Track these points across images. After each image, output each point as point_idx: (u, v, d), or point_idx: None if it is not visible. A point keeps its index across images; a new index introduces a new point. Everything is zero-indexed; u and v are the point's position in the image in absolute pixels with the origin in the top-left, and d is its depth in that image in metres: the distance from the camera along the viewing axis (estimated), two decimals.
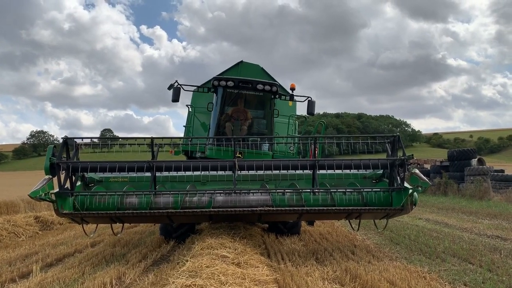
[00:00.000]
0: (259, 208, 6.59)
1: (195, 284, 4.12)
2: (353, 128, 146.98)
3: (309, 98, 9.22)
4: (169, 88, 8.65)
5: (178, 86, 8.65)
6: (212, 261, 5.00)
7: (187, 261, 5.20)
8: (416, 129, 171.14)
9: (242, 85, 8.51)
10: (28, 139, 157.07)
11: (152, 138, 6.69)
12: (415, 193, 6.45)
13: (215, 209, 6.62)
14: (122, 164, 6.68)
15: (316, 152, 9.32)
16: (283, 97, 9.32)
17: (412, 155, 6.71)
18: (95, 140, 7.05)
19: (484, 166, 20.07)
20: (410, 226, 10.60)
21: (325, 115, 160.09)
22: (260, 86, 8.41)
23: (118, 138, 6.72)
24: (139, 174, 7.21)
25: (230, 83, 8.44)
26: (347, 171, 7.25)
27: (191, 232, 8.57)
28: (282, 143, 8.87)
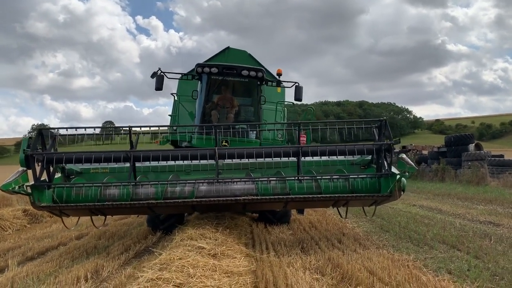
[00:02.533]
0: (243, 197, 6.42)
1: (161, 278, 3.96)
2: (354, 116, 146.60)
3: (296, 84, 8.98)
4: (152, 76, 8.43)
5: (162, 73, 8.43)
6: (187, 253, 4.84)
7: (160, 253, 5.04)
8: (418, 116, 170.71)
9: (227, 71, 8.29)
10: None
11: (129, 127, 6.50)
12: (403, 178, 6.26)
13: (197, 199, 6.45)
14: (99, 155, 6.49)
15: (304, 139, 9.14)
16: (270, 83, 9.10)
17: (399, 139, 6.58)
18: (74, 131, 6.81)
19: (482, 151, 19.83)
20: (402, 213, 10.43)
21: (326, 103, 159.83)
22: (245, 72, 8.19)
23: (94, 127, 6.49)
24: (120, 164, 7.04)
25: (214, 70, 8.22)
26: (334, 157, 7.05)
27: (179, 223, 8.40)
28: (266, 130, 8.61)
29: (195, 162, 7.06)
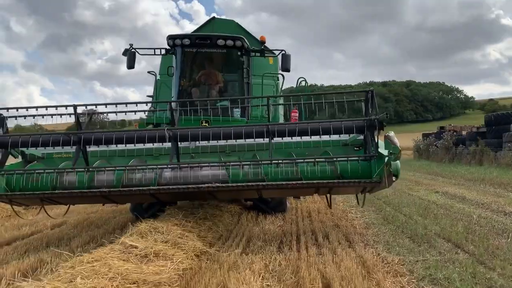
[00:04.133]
0: (206, 185, 5.58)
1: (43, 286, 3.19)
2: (401, 96, 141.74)
3: (283, 52, 7.90)
4: (124, 54, 7.62)
5: (133, 50, 7.59)
6: (104, 254, 4.05)
7: (80, 254, 4.29)
8: (469, 96, 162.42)
9: (200, 41, 7.35)
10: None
11: (74, 106, 5.76)
12: (397, 162, 5.20)
13: (154, 188, 5.68)
14: (46, 137, 5.81)
15: (296, 115, 8.10)
16: (261, 54, 8.09)
17: (387, 114, 5.43)
18: (25, 111, 6.16)
19: None
20: (417, 202, 9.22)
21: (371, 84, 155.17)
22: (221, 42, 7.21)
23: (40, 107, 5.80)
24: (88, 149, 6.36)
25: (186, 41, 7.29)
26: (326, 137, 6.05)
27: (163, 211, 7.70)
28: (250, 106, 7.53)
29: (167, 145, 6.27)
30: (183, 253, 4.71)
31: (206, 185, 5.60)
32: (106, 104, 6.07)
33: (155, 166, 5.86)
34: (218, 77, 7.89)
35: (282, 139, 6.08)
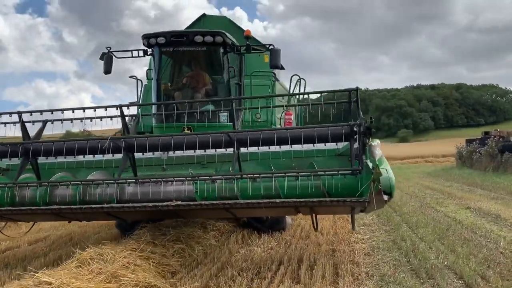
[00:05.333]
0: (162, 204, 4.79)
1: None
2: (450, 99, 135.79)
3: (271, 46, 6.98)
4: (101, 58, 6.95)
5: (110, 54, 6.89)
6: None
7: None
8: None
9: (176, 39, 6.55)
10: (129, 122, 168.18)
11: (19, 113, 5.13)
12: (388, 176, 4.21)
13: (106, 206, 4.96)
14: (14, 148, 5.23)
15: (291, 118, 7.14)
16: (256, 51, 7.20)
17: (371, 118, 4.45)
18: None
19: None
20: (441, 220, 7.99)
21: (418, 87, 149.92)
22: (198, 38, 6.38)
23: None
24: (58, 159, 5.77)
25: (161, 40, 6.52)
26: (321, 145, 5.15)
27: None
28: (241, 109, 6.56)
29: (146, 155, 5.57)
30: None
31: (165, 203, 4.81)
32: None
33: (117, 181, 5.12)
34: (205, 79, 7.07)
35: (269, 148, 5.20)
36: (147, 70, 7.25)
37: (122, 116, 5.29)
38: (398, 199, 11.64)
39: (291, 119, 6.76)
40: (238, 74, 7.21)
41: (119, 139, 5.10)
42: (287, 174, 4.78)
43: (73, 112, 5.41)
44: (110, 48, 6.91)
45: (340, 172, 4.66)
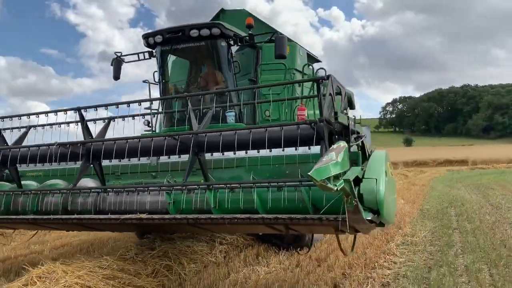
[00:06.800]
0: (123, 217, 4.26)
1: None
2: None
3: (277, 34, 6.09)
4: (111, 64, 6.72)
5: (119, 59, 6.60)
6: None
7: None
8: None
9: (172, 36, 6.01)
10: None
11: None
12: (376, 188, 3.28)
13: (73, 217, 4.55)
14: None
15: (304, 114, 6.15)
16: (264, 42, 6.45)
17: (336, 114, 3.47)
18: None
19: None
20: (507, 243, 6.47)
21: None
22: (194, 32, 5.78)
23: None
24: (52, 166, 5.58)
25: (158, 38, 6.05)
26: (293, 151, 4.22)
27: None
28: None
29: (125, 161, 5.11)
30: None
31: (123, 217, 4.29)
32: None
33: (82, 190, 4.72)
34: (217, 78, 6.42)
35: (258, 152, 4.42)
36: (154, 72, 6.85)
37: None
38: (476, 208, 10.01)
39: (304, 115, 5.77)
40: (253, 69, 6.52)
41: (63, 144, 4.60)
42: (271, 183, 3.94)
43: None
44: (121, 54, 6.66)
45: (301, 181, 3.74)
